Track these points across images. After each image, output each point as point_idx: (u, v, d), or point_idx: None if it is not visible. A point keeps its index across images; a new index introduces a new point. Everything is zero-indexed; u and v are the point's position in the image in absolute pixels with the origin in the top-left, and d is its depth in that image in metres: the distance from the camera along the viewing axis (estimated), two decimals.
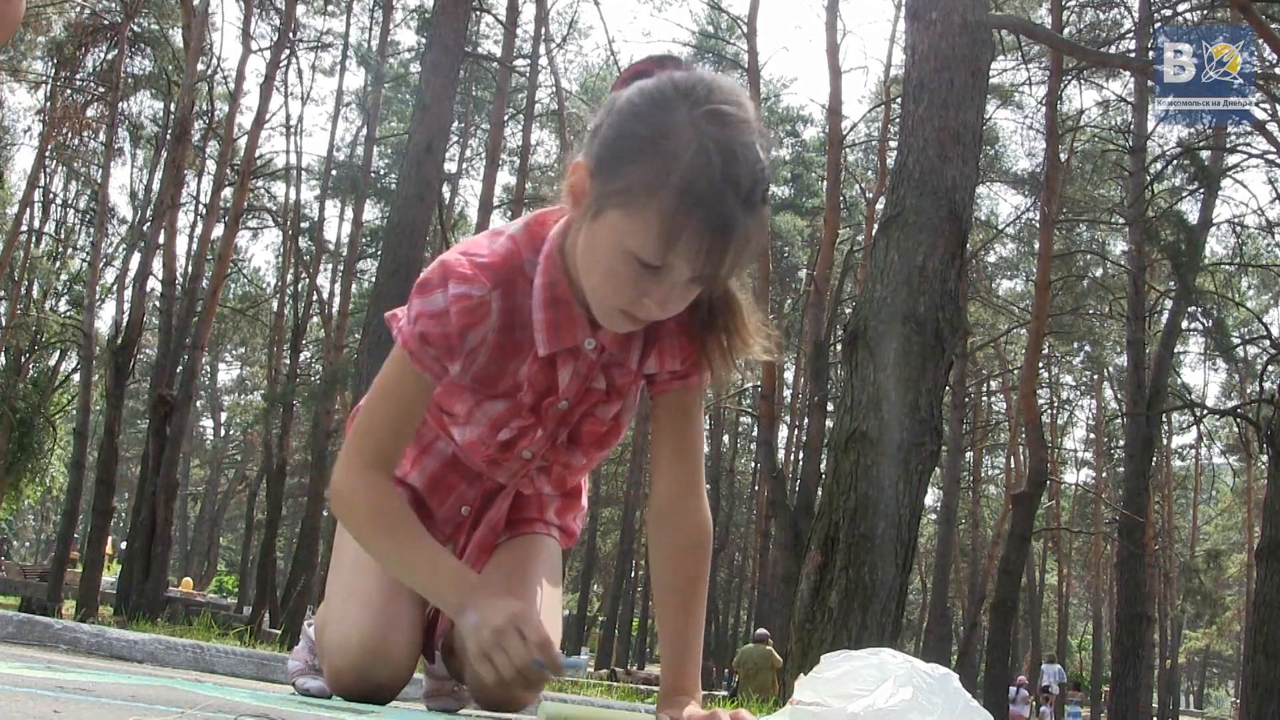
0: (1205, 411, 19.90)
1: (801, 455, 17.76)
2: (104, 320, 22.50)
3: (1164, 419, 22.40)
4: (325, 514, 17.86)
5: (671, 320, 1.42)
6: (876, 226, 6.60)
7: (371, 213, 23.28)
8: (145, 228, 18.66)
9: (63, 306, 23.23)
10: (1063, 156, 17.51)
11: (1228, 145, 16.25)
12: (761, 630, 13.32)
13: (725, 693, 13.53)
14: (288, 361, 20.72)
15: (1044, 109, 17.42)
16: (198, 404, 34.13)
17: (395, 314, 1.46)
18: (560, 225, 1.42)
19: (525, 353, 1.45)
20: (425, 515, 1.65)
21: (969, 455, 25.56)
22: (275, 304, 23.70)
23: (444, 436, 1.62)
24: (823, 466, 14.67)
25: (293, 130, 20.28)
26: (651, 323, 1.40)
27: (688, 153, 1.21)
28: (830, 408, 15.73)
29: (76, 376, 21.68)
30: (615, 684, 9.63)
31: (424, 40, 19.14)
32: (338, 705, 1.59)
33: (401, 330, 1.41)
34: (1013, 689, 21.35)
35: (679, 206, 1.21)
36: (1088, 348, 26.22)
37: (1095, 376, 29.50)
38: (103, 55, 20.17)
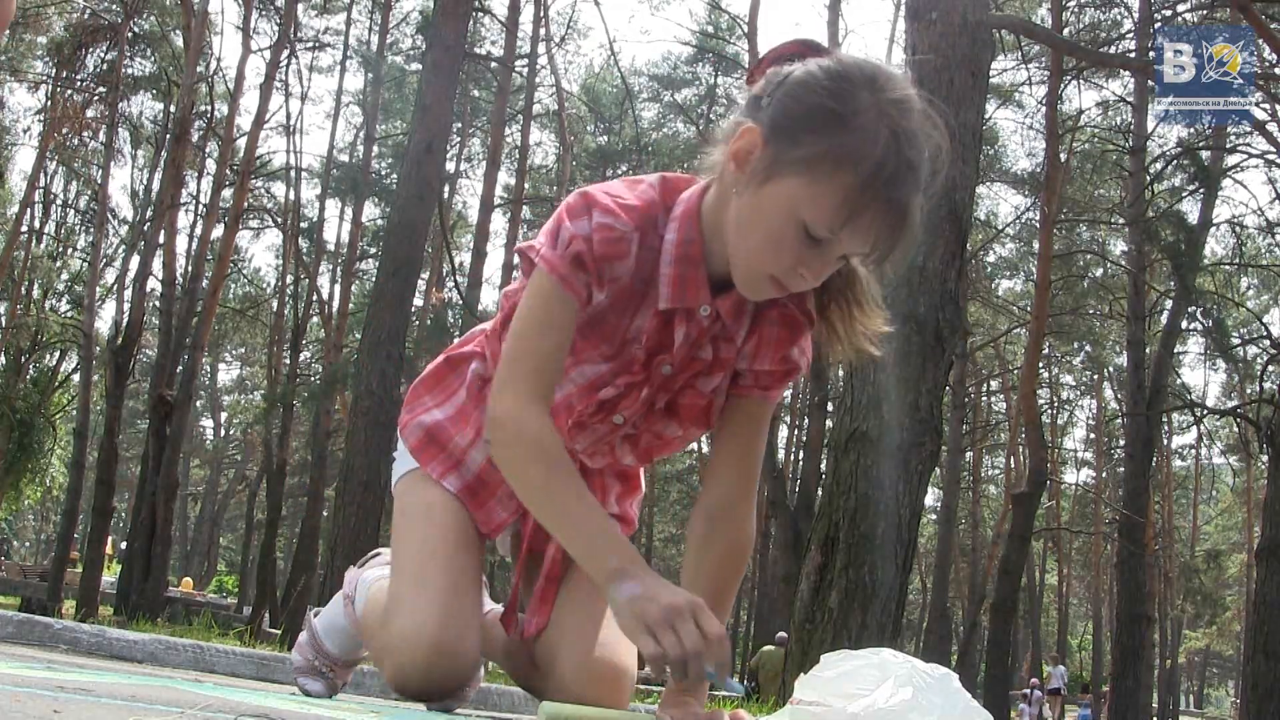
0: (1205, 411, 19.91)
1: (801, 455, 17.76)
2: (104, 320, 22.50)
3: (1164, 419, 22.41)
4: (325, 514, 17.87)
5: (778, 309, 1.45)
6: None
7: (371, 213, 23.28)
8: (145, 228, 18.65)
9: (63, 306, 23.24)
10: (1063, 156, 17.51)
11: (1228, 145, 16.26)
12: (782, 634, 13.29)
13: (725, 693, 13.48)
14: (288, 361, 20.72)
15: (1044, 109, 17.43)
16: (198, 404, 34.13)
17: (531, 245, 1.41)
18: (700, 187, 1.42)
19: (643, 306, 1.44)
20: (488, 493, 1.65)
21: (969, 455, 25.56)
22: (275, 304, 23.69)
23: None
24: (823, 466, 14.67)
25: (292, 130, 20.28)
26: (759, 304, 1.43)
27: (881, 135, 1.23)
28: (830, 408, 15.73)
29: (76, 376, 21.69)
30: None
31: (424, 40, 19.15)
32: (338, 705, 1.59)
33: (546, 256, 1.37)
34: (1026, 691, 21.42)
35: (867, 185, 1.23)
36: (1088, 348, 26.23)
37: (1095, 376, 29.51)
38: (103, 55, 20.17)
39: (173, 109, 18.87)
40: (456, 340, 1.76)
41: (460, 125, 24.31)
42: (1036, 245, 18.04)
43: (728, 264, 1.38)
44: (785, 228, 1.27)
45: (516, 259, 1.42)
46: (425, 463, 1.64)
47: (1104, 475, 30.66)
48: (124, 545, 22.66)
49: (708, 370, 1.50)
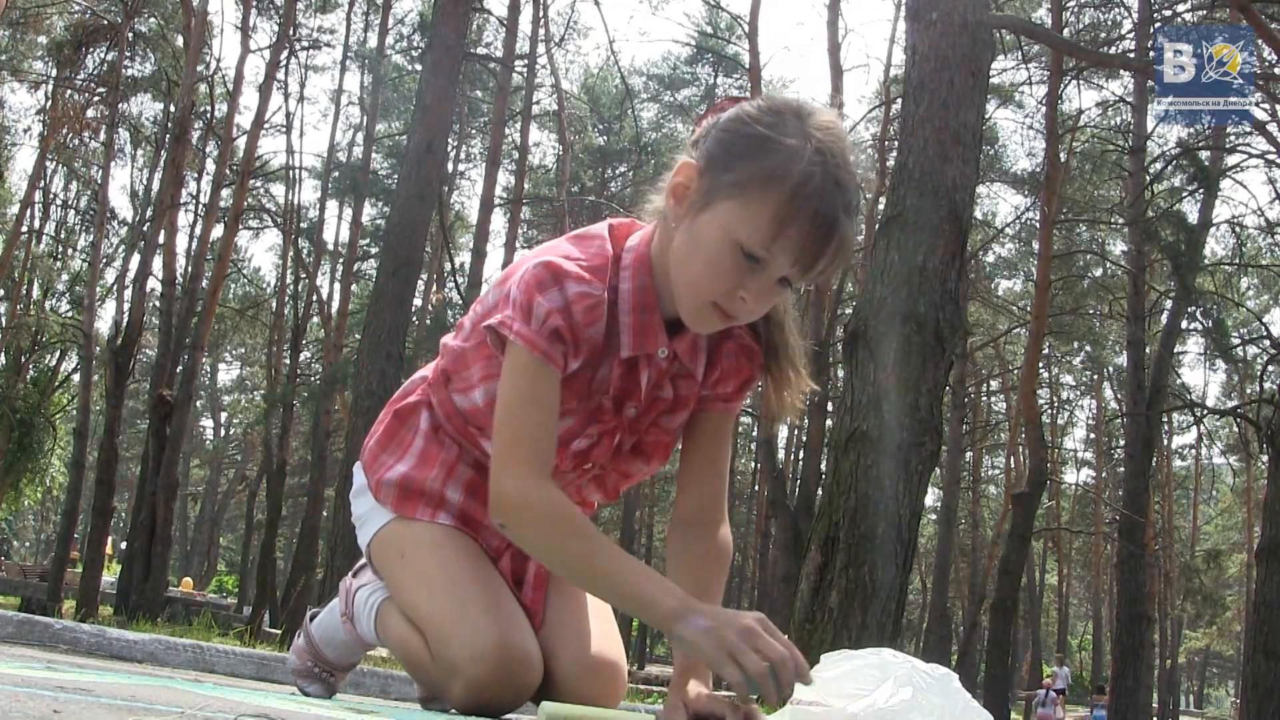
0: (1205, 411, 19.91)
1: (801, 455, 17.75)
2: (104, 320, 22.49)
3: (1164, 419, 22.41)
4: (325, 514, 17.87)
5: (733, 341, 1.53)
6: (877, 226, 6.60)
7: (371, 213, 23.29)
8: (145, 228, 18.65)
9: (63, 306, 23.23)
10: (1063, 156, 17.50)
11: (1227, 145, 16.25)
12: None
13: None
14: (288, 361, 20.72)
15: (1044, 109, 17.43)
16: (198, 404, 34.13)
17: (502, 321, 1.42)
18: (646, 232, 1.48)
19: (606, 357, 1.49)
20: (473, 526, 1.65)
21: (969, 455, 25.55)
22: (275, 304, 23.69)
23: (476, 446, 1.63)
24: (823, 466, 14.67)
25: (292, 130, 20.28)
26: (715, 337, 1.50)
27: (805, 153, 1.31)
28: (830, 408, 15.73)
29: (76, 376, 21.68)
30: None
31: (424, 40, 19.14)
32: (337, 705, 1.59)
33: (523, 334, 1.39)
34: (1041, 691, 21.44)
35: (792, 199, 1.29)
36: (1088, 348, 26.23)
37: (1095, 376, 29.51)
38: (103, 55, 20.16)
39: (173, 109, 18.87)
40: (391, 415, 1.75)
41: (460, 125, 24.33)
42: (1036, 245, 18.04)
43: None
44: (722, 250, 1.33)
45: (486, 336, 1.44)
46: (411, 512, 1.64)
47: (1104, 475, 30.65)
48: (124, 545, 22.66)
49: (670, 409, 1.57)
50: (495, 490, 1.40)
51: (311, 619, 1.94)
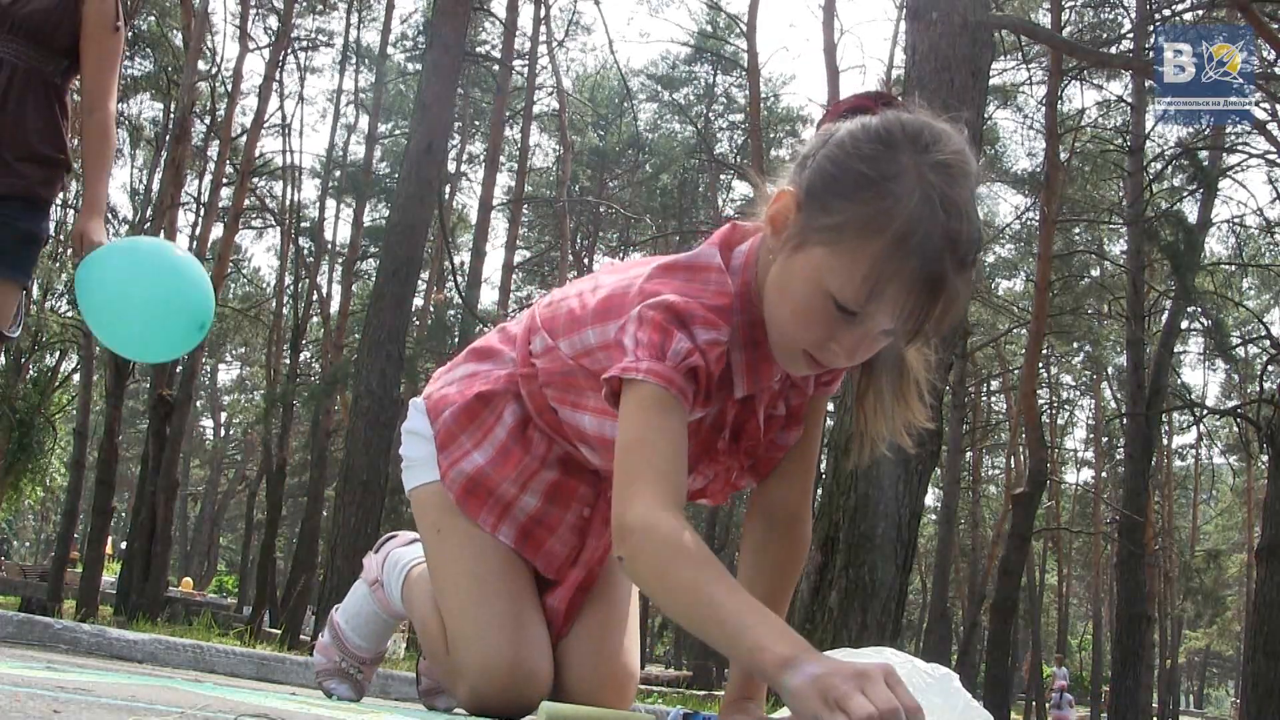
0: (1205, 411, 19.91)
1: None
2: None
3: (1164, 419, 22.40)
4: (325, 514, 17.87)
5: None
6: None
7: (371, 213, 23.29)
8: (145, 227, 18.65)
9: (63, 306, 23.22)
10: (1063, 156, 17.50)
11: (1227, 145, 16.25)
12: None
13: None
14: (288, 361, 20.72)
15: (1044, 109, 17.42)
16: (198, 404, 34.14)
17: (624, 368, 1.25)
18: (750, 250, 1.34)
19: (720, 394, 1.37)
20: (545, 530, 1.60)
21: (969, 455, 25.55)
22: (275, 304, 23.69)
23: (568, 441, 1.54)
24: (823, 466, 14.66)
25: (292, 130, 20.29)
26: None
27: (912, 201, 1.15)
28: (831, 407, 15.72)
29: (76, 376, 21.67)
30: None
31: (424, 40, 19.14)
32: (337, 705, 1.59)
33: (655, 370, 1.23)
34: (1055, 694, 21.45)
35: (893, 255, 1.15)
36: (1088, 348, 26.22)
37: (1095, 376, 29.49)
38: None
39: (173, 108, 18.87)
40: (470, 373, 1.65)
41: (464, 125, 24.35)
42: (1036, 245, 18.04)
43: None
44: (813, 299, 1.21)
45: (604, 388, 1.28)
46: (474, 514, 1.57)
47: (1104, 475, 30.65)
48: (124, 545, 22.66)
49: (785, 425, 1.48)
50: (618, 523, 1.23)
51: (337, 612, 1.92)
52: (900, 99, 1.32)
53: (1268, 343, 17.55)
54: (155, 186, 19.91)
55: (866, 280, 1.16)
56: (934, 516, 25.45)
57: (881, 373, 1.36)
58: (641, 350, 1.24)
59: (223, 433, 42.86)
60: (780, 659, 1.08)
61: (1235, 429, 20.13)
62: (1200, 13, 12.67)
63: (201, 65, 18.40)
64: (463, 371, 1.65)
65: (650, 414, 1.23)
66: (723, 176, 24.97)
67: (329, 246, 22.91)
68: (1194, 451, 33.44)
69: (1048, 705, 22.68)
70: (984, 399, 29.18)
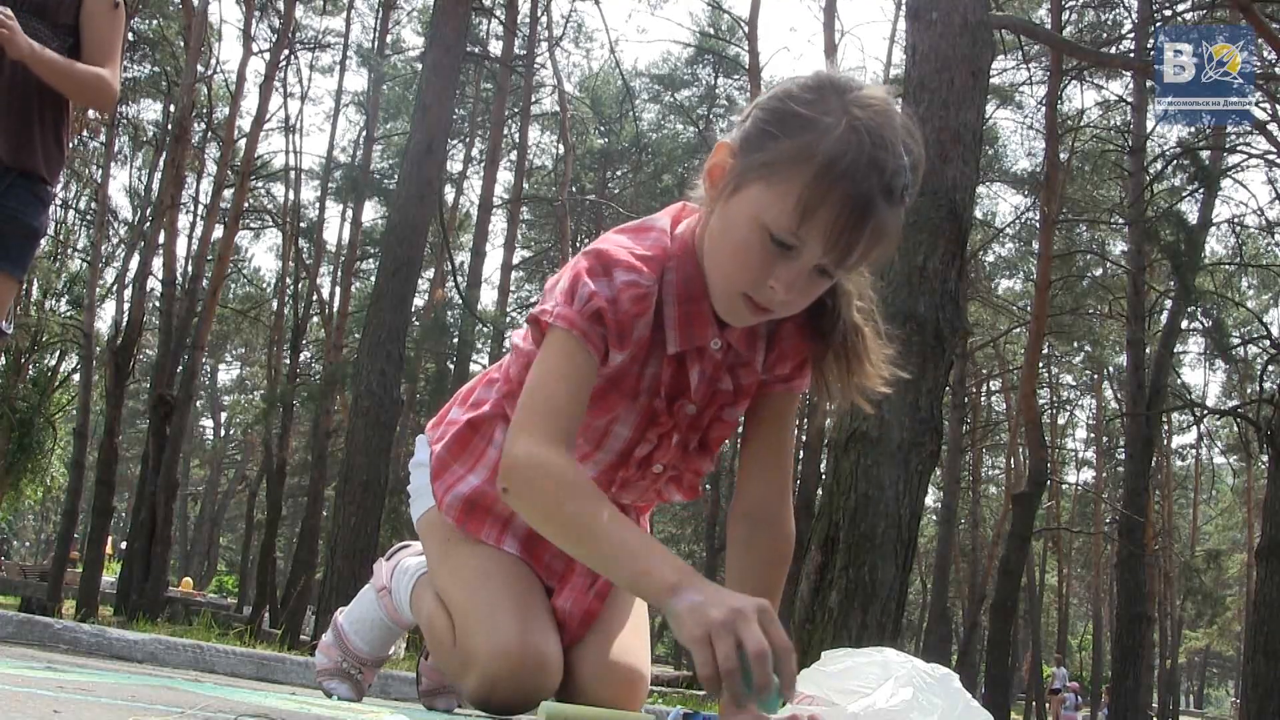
0: (1205, 411, 19.91)
1: (802, 455, 17.74)
2: (104, 320, 22.50)
3: (1164, 419, 22.40)
4: (325, 514, 17.86)
5: (791, 321, 1.43)
6: None
7: (371, 213, 23.30)
8: (145, 228, 18.66)
9: (63, 306, 23.23)
10: (1063, 156, 17.51)
11: (1228, 145, 16.25)
12: None
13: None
14: (288, 361, 20.73)
15: (1044, 109, 17.43)
16: (198, 404, 34.12)
17: (543, 309, 1.35)
18: (694, 218, 1.40)
19: (654, 353, 1.42)
20: (543, 546, 1.59)
21: (969, 455, 25.56)
22: (275, 304, 23.71)
23: None
24: (823, 466, 14.67)
25: (292, 130, 20.29)
26: (773, 321, 1.40)
27: (837, 129, 1.22)
28: (830, 407, 15.70)
29: (76, 376, 21.67)
30: None
31: (425, 40, 19.13)
32: (337, 705, 1.59)
33: (563, 314, 1.32)
34: (1070, 696, 21.45)
35: (821, 178, 1.20)
36: (1088, 348, 26.22)
37: (1095, 376, 29.50)
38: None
39: (173, 109, 18.87)
40: (463, 390, 1.71)
41: (468, 125, 24.36)
42: (1036, 245, 18.04)
43: None
44: (750, 236, 1.25)
45: (525, 327, 1.37)
46: (476, 532, 1.59)
47: (1104, 475, 30.66)
48: (124, 545, 22.66)
49: (732, 401, 1.49)
50: (505, 457, 1.30)
51: (340, 614, 1.92)
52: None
53: (1268, 343, 17.55)
54: (155, 187, 19.94)
55: (797, 206, 1.21)
56: (934, 516, 25.45)
57: (838, 340, 1.42)
58: (559, 295, 1.34)
59: (223, 433, 42.87)
60: (666, 584, 1.14)
61: (1235, 429, 20.13)
62: (1201, 13, 12.68)
63: (201, 67, 18.41)
64: (455, 415, 1.68)
65: (552, 356, 1.32)
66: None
67: (329, 247, 22.93)
68: (1194, 451, 33.48)
69: (1047, 706, 22.64)
70: (984, 399, 29.19)
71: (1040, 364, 21.91)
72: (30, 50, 2.49)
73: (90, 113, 20.44)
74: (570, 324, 1.32)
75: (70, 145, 2.77)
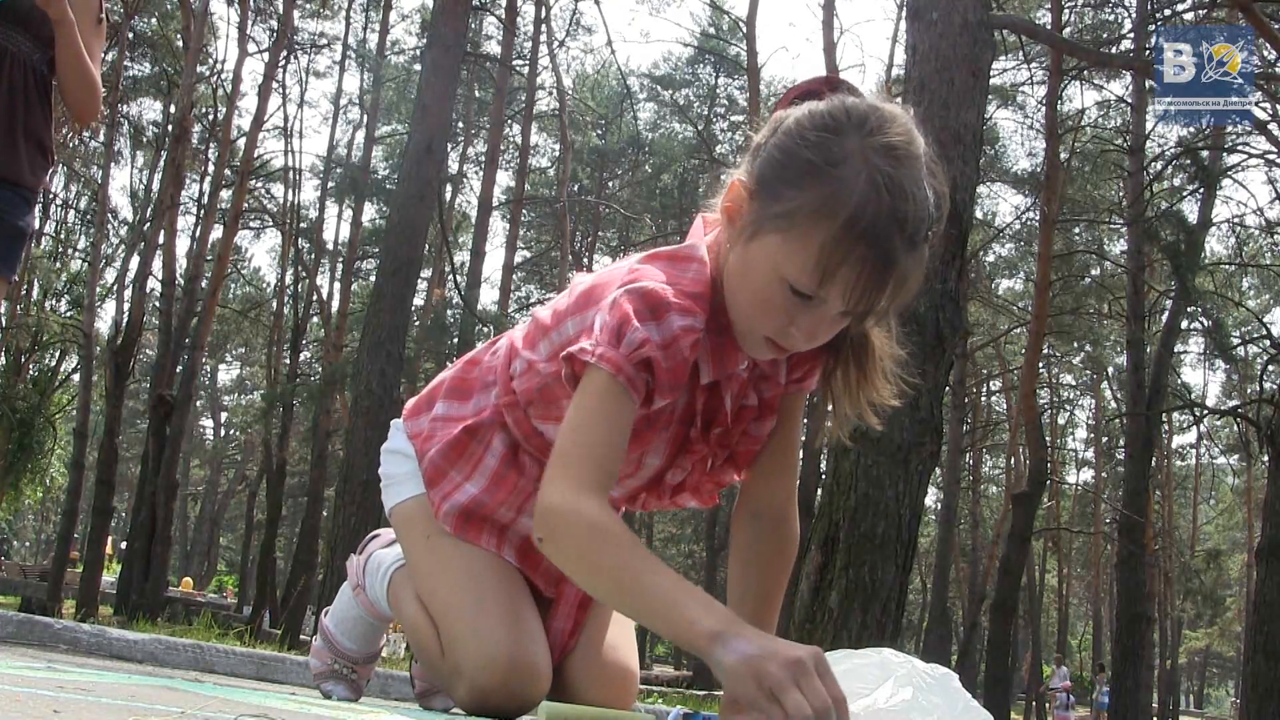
0: (1205, 411, 19.91)
1: (801, 455, 17.74)
2: (104, 320, 22.50)
3: (1164, 419, 22.41)
4: (325, 514, 17.86)
5: None
6: None
7: (371, 213, 23.31)
8: (145, 228, 18.66)
9: (63, 306, 23.22)
10: (1063, 156, 17.51)
11: (1227, 145, 16.24)
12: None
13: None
14: (288, 361, 20.72)
15: (1044, 109, 17.44)
16: (198, 404, 34.14)
17: (582, 349, 1.28)
18: (713, 242, 1.37)
19: (690, 383, 1.38)
20: (538, 555, 1.56)
21: (969, 455, 25.55)
22: (275, 304, 23.70)
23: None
24: (823, 466, 14.67)
25: (291, 131, 20.30)
26: None
27: (858, 184, 1.18)
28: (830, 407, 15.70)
29: (76, 376, 21.67)
30: None
31: (424, 40, 19.13)
32: (337, 705, 1.59)
33: (607, 357, 1.25)
34: (1062, 695, 21.46)
35: (842, 240, 1.18)
36: (1088, 348, 26.23)
37: (1095, 376, 29.50)
38: (103, 56, 20.15)
39: (173, 109, 18.88)
40: (447, 378, 1.67)
41: (467, 124, 24.35)
42: (1036, 245, 18.04)
43: None
44: (770, 287, 1.24)
45: (564, 367, 1.30)
46: (474, 539, 1.57)
47: (1104, 475, 30.65)
48: (124, 545, 22.66)
49: (758, 415, 1.49)
50: (540, 504, 1.25)
51: (325, 615, 1.91)
52: (851, 84, 1.34)
53: (1268, 343, 17.52)
54: (155, 187, 19.94)
55: (819, 265, 1.19)
56: (934, 516, 25.46)
57: (846, 352, 1.40)
58: (602, 334, 1.27)
59: (223, 433, 42.88)
60: (710, 633, 1.10)
61: (1235, 429, 20.14)
62: (1201, 13, 12.67)
63: (201, 68, 18.42)
64: (441, 411, 1.64)
65: (592, 399, 1.26)
66: (723, 177, 24.92)
67: (329, 247, 22.93)
68: (1194, 451, 33.48)
69: (1049, 705, 22.64)
70: (984, 399, 29.19)
71: (1040, 364, 21.91)
72: (66, 12, 2.50)
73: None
74: (616, 369, 1.25)
75: (61, 144, 2.79)
